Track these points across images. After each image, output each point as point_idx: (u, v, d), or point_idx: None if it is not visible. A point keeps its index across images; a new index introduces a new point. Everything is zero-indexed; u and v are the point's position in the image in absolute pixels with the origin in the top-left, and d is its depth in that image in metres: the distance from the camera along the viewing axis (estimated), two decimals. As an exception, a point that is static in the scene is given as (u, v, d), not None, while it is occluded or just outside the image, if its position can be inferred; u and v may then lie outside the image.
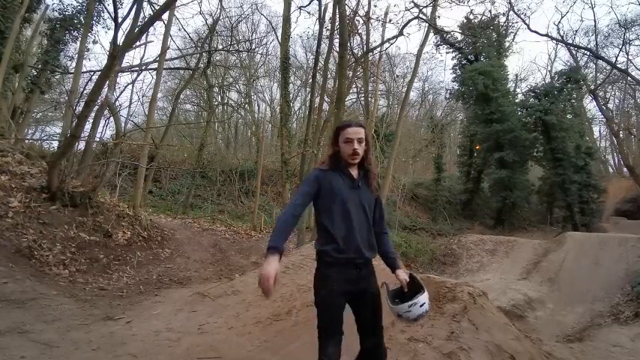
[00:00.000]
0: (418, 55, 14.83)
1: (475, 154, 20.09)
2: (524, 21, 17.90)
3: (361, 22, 13.29)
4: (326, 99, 12.95)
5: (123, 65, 9.55)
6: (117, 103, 11.55)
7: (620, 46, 16.81)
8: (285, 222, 1.76)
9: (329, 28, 11.81)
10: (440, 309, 3.14)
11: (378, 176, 1.99)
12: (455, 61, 20.46)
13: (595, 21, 20.39)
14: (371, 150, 1.95)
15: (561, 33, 18.65)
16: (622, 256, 6.83)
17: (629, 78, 17.21)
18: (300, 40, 23.48)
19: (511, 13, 18.51)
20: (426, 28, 14.92)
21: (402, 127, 16.51)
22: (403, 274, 1.91)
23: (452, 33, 18.93)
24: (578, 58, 19.11)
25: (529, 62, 47.36)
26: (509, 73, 20.13)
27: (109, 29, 12.70)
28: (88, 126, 7.65)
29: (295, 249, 6.91)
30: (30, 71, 11.22)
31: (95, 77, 10.36)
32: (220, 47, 14.60)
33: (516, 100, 19.59)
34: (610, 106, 22.66)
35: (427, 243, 13.29)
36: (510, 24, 19.93)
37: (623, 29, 16.63)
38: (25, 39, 11.66)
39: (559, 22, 33.07)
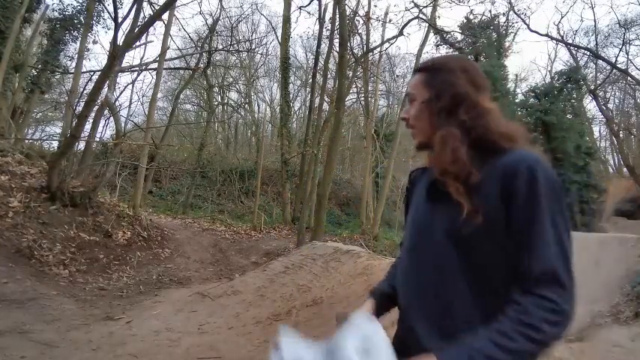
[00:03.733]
0: (418, 55, 14.86)
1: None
2: (524, 21, 17.89)
3: (361, 22, 13.32)
4: (326, 99, 12.96)
5: (123, 65, 9.55)
6: (117, 103, 11.55)
7: (620, 46, 16.79)
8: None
9: (329, 28, 11.82)
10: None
11: (466, 170, 0.81)
12: (455, 61, 20.46)
13: (595, 21, 20.32)
14: (447, 115, 0.87)
15: (561, 33, 18.62)
16: (622, 256, 6.81)
17: (629, 78, 17.19)
18: (300, 40, 23.45)
19: (511, 13, 18.49)
20: (426, 28, 14.94)
21: (402, 127, 16.50)
22: None
23: (452, 33, 18.93)
24: (578, 58, 19.09)
25: (529, 62, 47.11)
26: (509, 73, 20.14)
27: (109, 29, 12.69)
28: (88, 126, 7.67)
29: (295, 249, 6.91)
30: (30, 71, 11.23)
31: (95, 77, 10.35)
32: (220, 47, 14.58)
33: (516, 100, 19.59)
34: (610, 106, 22.62)
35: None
36: (510, 24, 19.93)
37: (623, 29, 16.61)
38: (25, 39, 11.66)
39: (559, 22, 32.91)
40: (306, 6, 12.74)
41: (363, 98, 16.38)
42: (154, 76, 10.99)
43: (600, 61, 17.41)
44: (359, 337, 0.75)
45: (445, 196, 0.83)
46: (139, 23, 7.46)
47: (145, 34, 9.01)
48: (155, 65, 10.68)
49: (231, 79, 19.17)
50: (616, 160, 26.82)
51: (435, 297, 0.83)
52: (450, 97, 0.87)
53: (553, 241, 0.73)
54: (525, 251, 0.74)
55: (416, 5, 12.52)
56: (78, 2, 11.70)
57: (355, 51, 13.04)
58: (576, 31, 26.77)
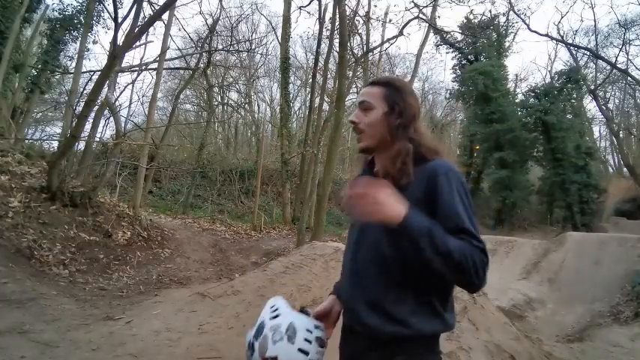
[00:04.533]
0: (418, 55, 14.90)
1: (475, 154, 20.09)
2: (524, 21, 17.94)
3: (361, 22, 13.30)
4: (326, 99, 12.96)
5: (123, 65, 9.56)
6: (117, 103, 11.54)
7: (620, 46, 16.83)
8: None
9: (329, 28, 11.83)
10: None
11: (402, 169, 1.03)
12: (455, 61, 20.51)
13: (595, 21, 20.42)
14: (401, 127, 1.06)
15: (561, 33, 18.66)
16: (622, 256, 6.82)
17: (629, 78, 17.21)
18: (300, 40, 23.47)
19: (511, 13, 18.56)
20: (426, 28, 14.97)
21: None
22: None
23: (452, 33, 18.96)
24: (578, 58, 19.11)
25: (529, 62, 47.17)
26: (509, 73, 20.18)
27: (109, 29, 12.67)
28: (88, 126, 7.68)
29: (295, 249, 6.91)
30: (30, 71, 11.22)
31: (95, 77, 10.35)
32: (220, 47, 14.57)
33: (516, 100, 19.60)
34: (610, 106, 22.67)
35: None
36: (510, 24, 19.96)
37: (623, 29, 16.65)
38: (25, 39, 11.66)
39: (559, 22, 32.97)
40: (306, 6, 12.75)
41: (363, 98, 16.34)
42: (154, 76, 10.99)
43: (600, 61, 17.43)
44: (270, 308, 1.10)
45: None
46: (139, 23, 7.44)
47: (145, 34, 9.02)
48: (155, 65, 10.68)
49: (231, 79, 19.17)
50: (616, 160, 26.85)
51: (372, 281, 1.03)
52: (410, 116, 1.07)
53: (464, 213, 0.97)
54: (452, 218, 0.96)
55: (416, 5, 12.53)
56: (78, 2, 11.69)
57: (355, 51, 13.04)
58: (576, 31, 26.78)
